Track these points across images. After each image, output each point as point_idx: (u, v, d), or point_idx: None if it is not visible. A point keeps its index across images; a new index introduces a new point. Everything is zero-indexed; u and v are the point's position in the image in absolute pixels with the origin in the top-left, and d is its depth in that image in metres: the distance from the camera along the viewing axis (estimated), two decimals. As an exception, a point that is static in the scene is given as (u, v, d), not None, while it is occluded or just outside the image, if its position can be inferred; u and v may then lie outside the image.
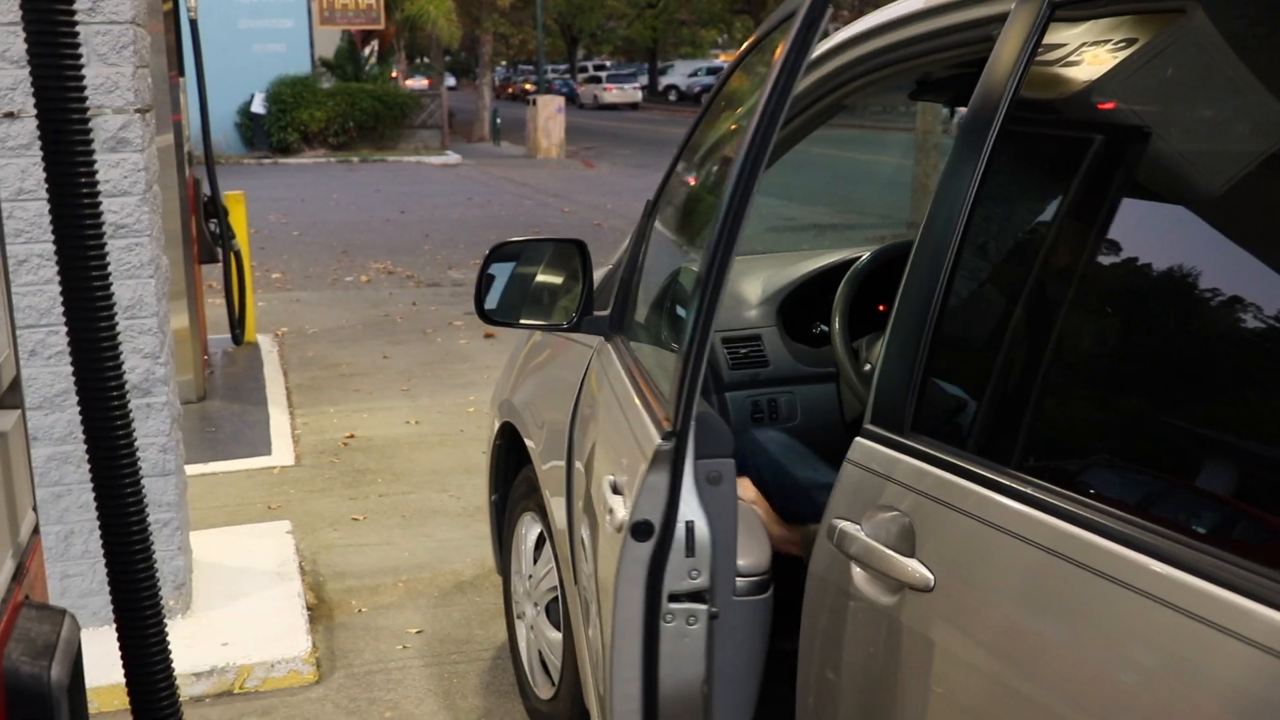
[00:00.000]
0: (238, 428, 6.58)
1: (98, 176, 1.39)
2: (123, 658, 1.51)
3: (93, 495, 1.46)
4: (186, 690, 3.66)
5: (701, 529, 1.90)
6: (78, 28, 1.36)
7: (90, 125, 1.37)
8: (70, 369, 1.42)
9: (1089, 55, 1.68)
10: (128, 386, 1.44)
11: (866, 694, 1.78)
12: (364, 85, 28.15)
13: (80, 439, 1.70)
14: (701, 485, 1.92)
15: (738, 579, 2.02)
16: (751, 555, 2.07)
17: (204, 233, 7.34)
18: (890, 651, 1.70)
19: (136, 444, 1.45)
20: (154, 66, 4.91)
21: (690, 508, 1.90)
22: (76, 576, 3.81)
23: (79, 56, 1.36)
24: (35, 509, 1.50)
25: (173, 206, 6.41)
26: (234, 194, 8.10)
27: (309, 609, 4.21)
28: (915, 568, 1.63)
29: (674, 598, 1.92)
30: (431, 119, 28.64)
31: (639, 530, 1.89)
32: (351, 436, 6.43)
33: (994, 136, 1.71)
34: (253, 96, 26.68)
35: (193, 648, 3.82)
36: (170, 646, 1.54)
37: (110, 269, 1.41)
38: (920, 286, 1.75)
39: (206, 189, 7.33)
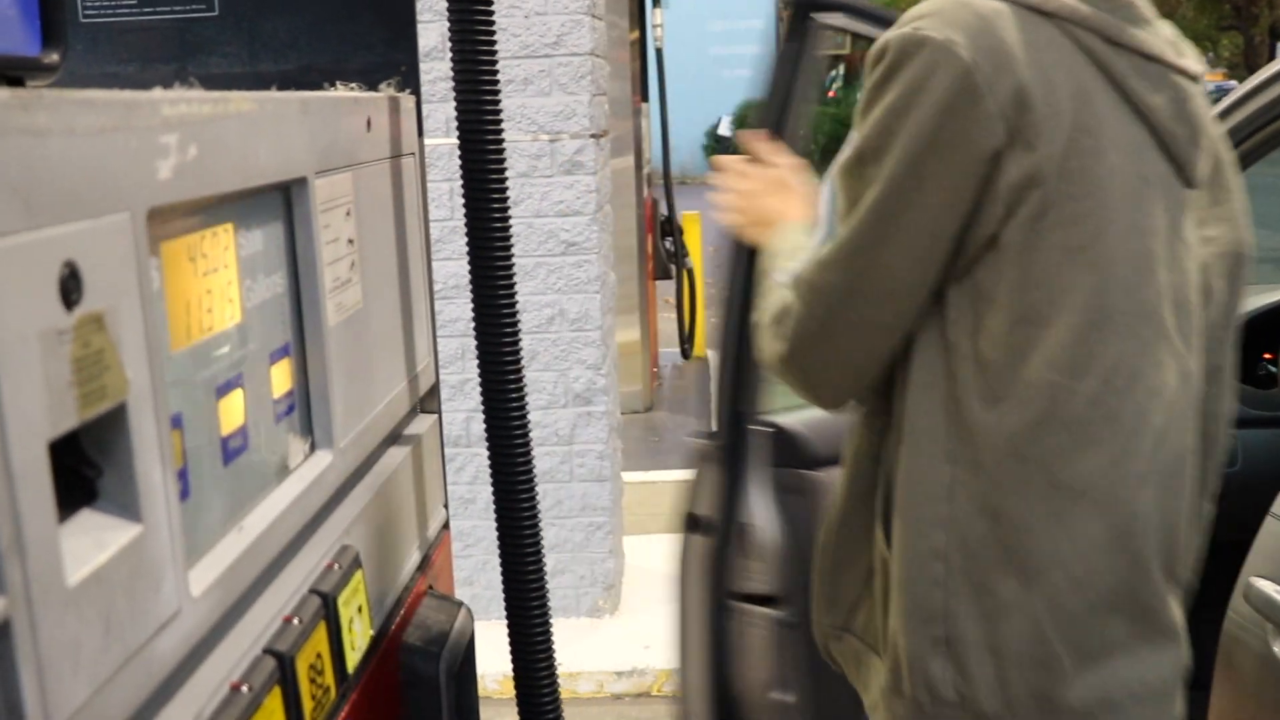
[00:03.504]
0: (680, 439, 6.82)
1: (509, 196, 1.49)
2: (511, 652, 1.61)
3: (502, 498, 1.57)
4: (608, 687, 3.85)
5: (762, 533, 1.92)
6: (497, 62, 1.47)
7: (504, 152, 1.48)
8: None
9: None
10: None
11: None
12: (825, 109, 28.48)
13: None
14: (780, 493, 1.96)
15: None
16: None
17: (659, 250, 7.69)
18: (1309, 728, 1.54)
19: (532, 448, 1.54)
20: (616, 91, 5.22)
21: (754, 511, 1.92)
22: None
23: (497, 89, 1.46)
24: (446, 506, 1.62)
25: (629, 224, 6.75)
26: (690, 214, 8.37)
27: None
28: (1340, 638, 1.46)
29: (736, 597, 1.95)
30: (893, 140, 28.59)
31: (690, 522, 1.97)
32: (787, 453, 6.49)
33: None
34: (720, 119, 27.62)
35: (616, 647, 4.02)
36: (554, 645, 1.62)
37: (516, 282, 1.51)
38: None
39: (664, 208, 7.66)
